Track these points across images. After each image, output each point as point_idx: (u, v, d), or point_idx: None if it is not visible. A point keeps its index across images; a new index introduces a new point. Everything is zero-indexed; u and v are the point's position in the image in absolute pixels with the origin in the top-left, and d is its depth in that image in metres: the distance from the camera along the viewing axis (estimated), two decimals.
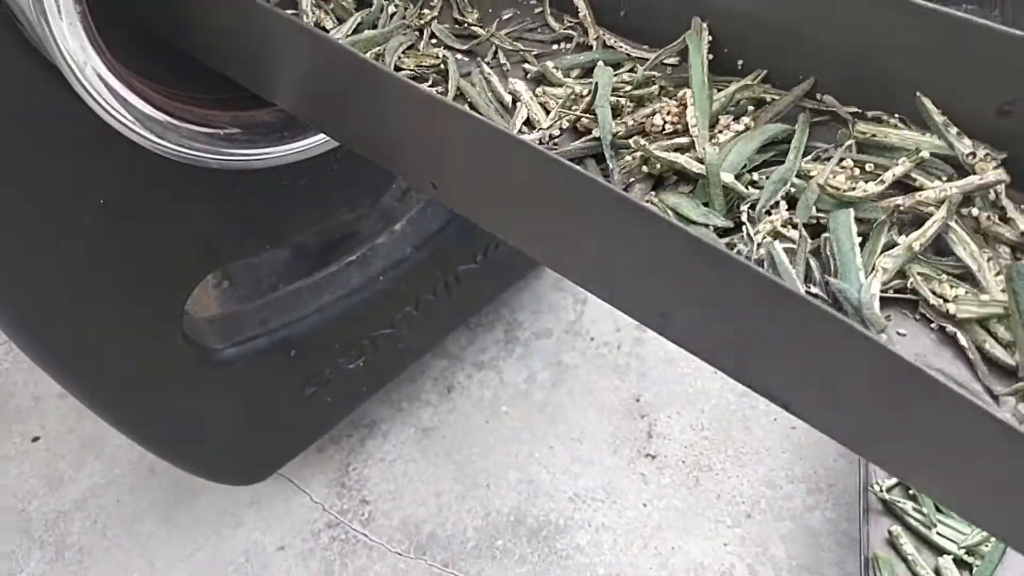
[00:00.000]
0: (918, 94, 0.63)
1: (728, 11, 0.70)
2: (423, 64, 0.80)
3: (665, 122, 0.70)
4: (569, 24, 0.82)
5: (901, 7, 0.61)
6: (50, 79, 0.81)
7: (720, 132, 0.69)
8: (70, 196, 0.89)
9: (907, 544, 1.11)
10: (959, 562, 1.09)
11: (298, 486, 1.35)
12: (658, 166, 0.67)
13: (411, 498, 1.34)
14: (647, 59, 0.76)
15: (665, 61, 0.76)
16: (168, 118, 0.90)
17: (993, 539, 1.08)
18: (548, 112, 0.75)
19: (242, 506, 1.33)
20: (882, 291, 0.58)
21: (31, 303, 0.93)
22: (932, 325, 0.57)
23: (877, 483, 1.16)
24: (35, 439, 1.44)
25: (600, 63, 0.75)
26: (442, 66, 0.79)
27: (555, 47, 0.81)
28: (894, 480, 1.15)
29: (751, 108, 0.71)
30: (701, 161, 0.65)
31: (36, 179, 0.86)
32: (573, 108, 0.74)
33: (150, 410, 1.10)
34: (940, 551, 1.11)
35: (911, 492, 1.16)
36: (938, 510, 1.14)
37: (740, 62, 0.73)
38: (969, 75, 0.61)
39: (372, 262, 1.26)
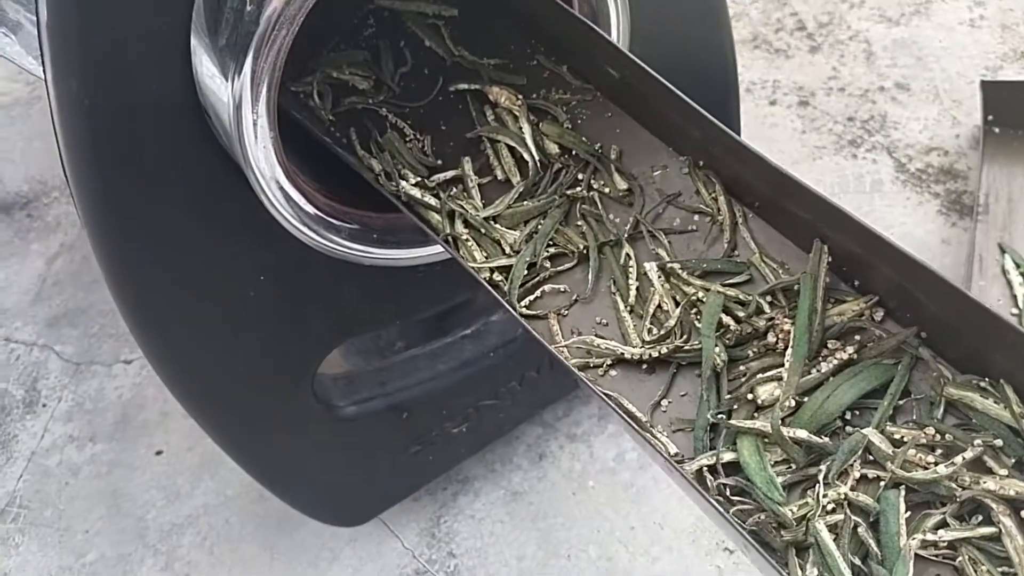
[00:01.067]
0: (1002, 381, 0.70)
1: (847, 248, 0.77)
2: (568, 248, 0.90)
3: (778, 339, 0.78)
4: (712, 196, 0.89)
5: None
6: (234, 177, 0.94)
7: (824, 359, 0.77)
8: (240, 272, 1.03)
9: None
10: None
11: (392, 531, 1.42)
12: (761, 400, 0.75)
13: (495, 557, 1.40)
14: (766, 267, 0.84)
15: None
16: (330, 219, 1.02)
17: None
18: (676, 303, 0.84)
19: (341, 542, 1.41)
20: (932, 557, 0.67)
21: (189, 355, 1.07)
22: None
23: None
24: (158, 452, 1.56)
25: (714, 290, 0.82)
26: (585, 252, 0.89)
27: (695, 218, 0.90)
28: None
29: (858, 337, 0.78)
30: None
31: (212, 255, 1.01)
32: (694, 310, 0.83)
33: (271, 453, 1.23)
34: None
35: None
36: None
37: (856, 282, 0.80)
38: None
39: (485, 338, 1.35)
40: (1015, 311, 1.40)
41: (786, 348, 0.78)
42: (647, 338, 0.84)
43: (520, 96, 0.99)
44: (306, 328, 1.13)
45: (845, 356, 0.76)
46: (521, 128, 0.97)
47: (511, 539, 1.38)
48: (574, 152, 0.96)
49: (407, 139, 1.02)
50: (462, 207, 0.94)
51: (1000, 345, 0.69)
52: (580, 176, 0.95)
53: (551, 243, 0.91)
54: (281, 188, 0.95)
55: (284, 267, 1.05)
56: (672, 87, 0.84)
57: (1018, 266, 1.44)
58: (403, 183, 0.97)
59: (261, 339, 1.10)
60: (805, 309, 0.77)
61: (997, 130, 1.61)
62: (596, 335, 0.85)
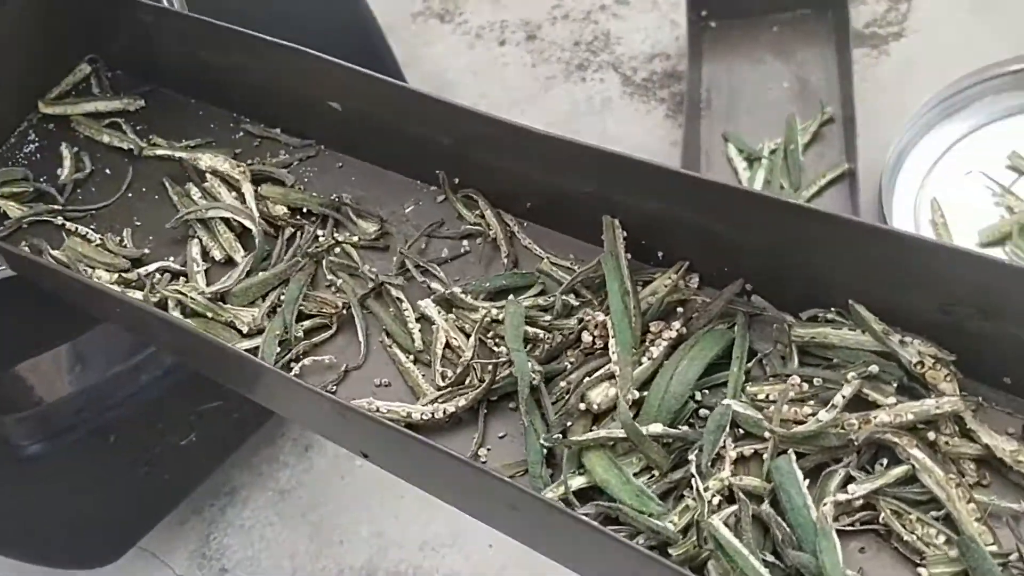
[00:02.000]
0: (851, 302, 0.61)
1: (639, 208, 0.67)
2: (324, 312, 0.74)
3: (594, 338, 0.65)
4: (478, 214, 0.77)
5: (827, 220, 0.59)
6: None
7: (652, 343, 0.64)
8: None
9: None
10: None
11: (162, 560, 1.32)
12: (596, 405, 0.61)
13: (268, 563, 1.32)
14: (557, 270, 0.71)
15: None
16: None
17: None
18: (467, 335, 0.69)
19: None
20: (850, 526, 0.55)
21: None
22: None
23: None
24: None
25: (510, 300, 0.69)
26: (345, 312, 0.73)
27: (464, 244, 0.76)
28: None
29: (680, 310, 0.66)
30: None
31: None
32: (491, 335, 0.68)
33: None
34: None
35: None
36: None
37: (660, 254, 0.69)
38: (907, 283, 0.59)
39: None
40: None
41: (605, 345, 0.65)
42: (442, 383, 0.68)
43: (240, 162, 0.83)
44: None
45: (673, 334, 0.64)
46: (242, 195, 0.81)
47: (282, 539, 1.34)
48: (305, 210, 0.80)
49: (92, 242, 0.83)
50: (178, 291, 0.75)
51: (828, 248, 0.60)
52: (320, 233, 0.79)
53: (303, 312, 0.74)
54: None
55: None
56: (410, 86, 0.73)
57: (740, 152, 1.42)
58: (96, 280, 0.77)
59: None
60: (616, 291, 0.65)
61: (713, 24, 1.59)
62: (375, 399, 0.68)
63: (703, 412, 0.61)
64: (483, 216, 0.76)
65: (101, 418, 1.10)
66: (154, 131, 0.91)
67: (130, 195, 0.87)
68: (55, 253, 0.83)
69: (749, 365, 0.63)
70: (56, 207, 0.87)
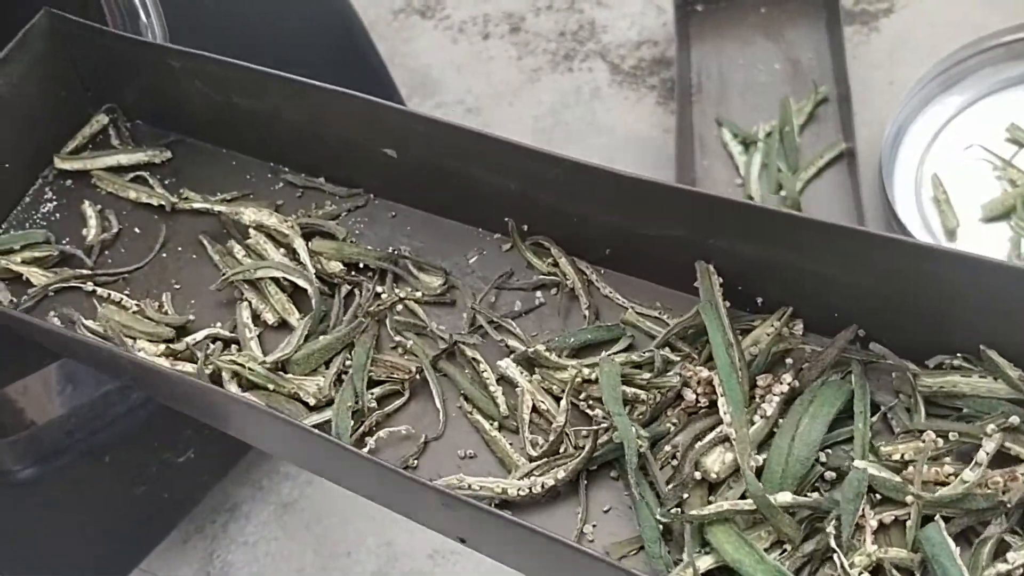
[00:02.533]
0: (982, 347, 0.57)
1: (735, 252, 0.63)
2: (395, 377, 0.68)
3: (698, 395, 0.61)
4: (550, 262, 0.72)
5: (953, 259, 0.55)
6: None
7: (763, 399, 0.60)
8: None
9: None
10: None
11: None
12: (715, 474, 0.57)
13: None
14: (645, 320, 0.67)
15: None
16: None
17: None
18: (555, 397, 0.64)
19: None
20: None
21: None
22: None
23: None
24: None
25: (604, 358, 0.64)
26: (417, 376, 0.68)
27: (538, 295, 0.72)
28: None
29: (788, 360, 0.62)
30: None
31: None
32: (583, 397, 0.64)
33: None
34: None
35: None
36: None
37: (759, 300, 0.65)
38: None
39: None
40: (738, 181, 1.35)
41: (710, 403, 0.61)
42: (534, 453, 0.63)
43: (287, 216, 0.78)
44: None
45: (785, 388, 0.60)
46: (294, 251, 0.76)
47: (287, 553, 1.30)
48: (362, 265, 0.75)
49: (129, 310, 0.77)
50: (234, 362, 0.69)
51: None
52: (379, 289, 0.74)
53: (372, 379, 0.69)
54: None
55: None
56: (481, 130, 0.67)
57: (735, 136, 1.39)
58: (142, 353, 0.72)
59: None
60: (720, 344, 0.60)
61: (700, 8, 1.55)
62: (463, 474, 0.63)
63: (828, 475, 0.57)
64: (556, 264, 0.71)
65: (94, 438, 1.05)
66: (183, 184, 0.85)
67: (164, 255, 0.82)
68: (89, 324, 0.77)
69: (873, 420, 0.59)
70: (84, 271, 0.81)
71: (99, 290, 0.80)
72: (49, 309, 0.79)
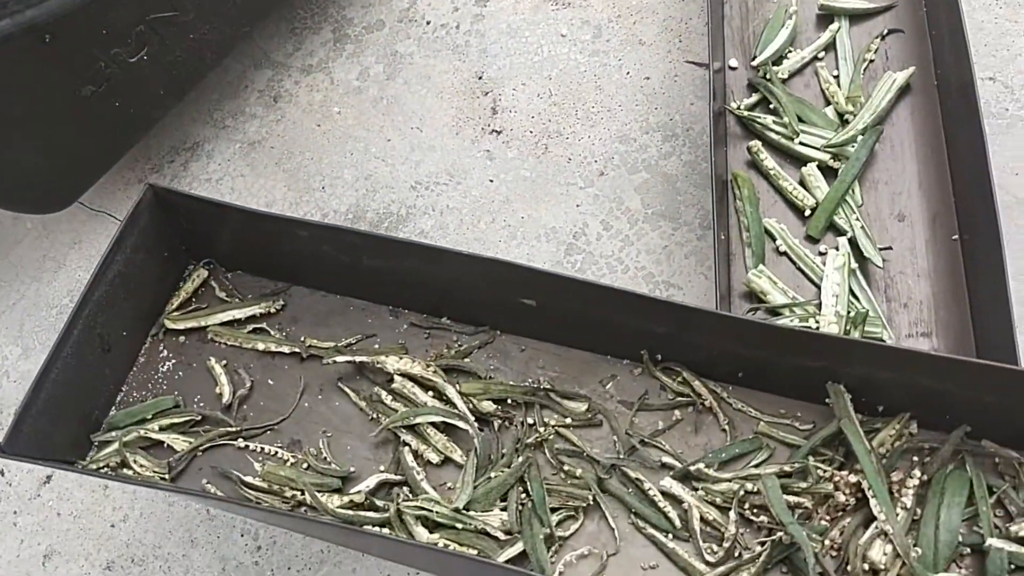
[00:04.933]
0: None
1: (867, 376, 0.75)
2: (570, 504, 0.78)
3: (847, 495, 0.73)
4: (679, 381, 0.83)
5: None
6: None
7: (899, 493, 0.73)
8: None
9: (768, 159, 1.01)
10: (824, 169, 1.00)
11: (119, 220, 1.15)
12: (883, 565, 0.70)
13: None
14: (778, 430, 0.79)
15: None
16: None
17: (861, 137, 1.00)
18: (718, 507, 0.76)
19: (63, 248, 1.23)
20: None
21: None
22: None
23: (734, 102, 1.06)
24: None
25: (766, 474, 0.75)
26: (588, 504, 0.78)
27: (675, 413, 0.82)
28: (754, 98, 1.07)
29: (915, 458, 0.76)
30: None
31: None
32: (747, 506, 0.75)
33: None
34: (804, 160, 1.01)
35: (771, 106, 1.05)
36: (800, 120, 1.03)
37: (880, 408, 0.78)
38: None
39: None
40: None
41: (857, 502, 0.74)
42: (711, 559, 0.74)
43: (428, 361, 0.85)
44: None
45: (916, 482, 0.74)
46: (444, 395, 0.83)
47: (256, 189, 1.26)
48: (508, 400, 0.84)
49: (287, 462, 0.84)
50: (421, 507, 0.77)
51: None
52: (530, 421, 0.83)
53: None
54: None
55: None
56: (617, 287, 0.77)
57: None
58: (328, 508, 0.78)
59: None
60: (864, 454, 0.73)
61: None
62: None
63: (967, 552, 0.71)
64: (688, 384, 0.82)
65: (34, 9, 0.95)
66: (303, 331, 0.91)
67: (306, 404, 0.88)
68: (249, 480, 0.82)
69: (991, 500, 0.73)
70: (231, 429, 0.86)
71: (251, 445, 0.85)
72: (198, 472, 0.84)
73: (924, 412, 0.76)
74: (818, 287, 0.94)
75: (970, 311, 0.89)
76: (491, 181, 1.20)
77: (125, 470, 0.83)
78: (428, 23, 1.38)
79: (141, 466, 0.83)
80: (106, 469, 0.84)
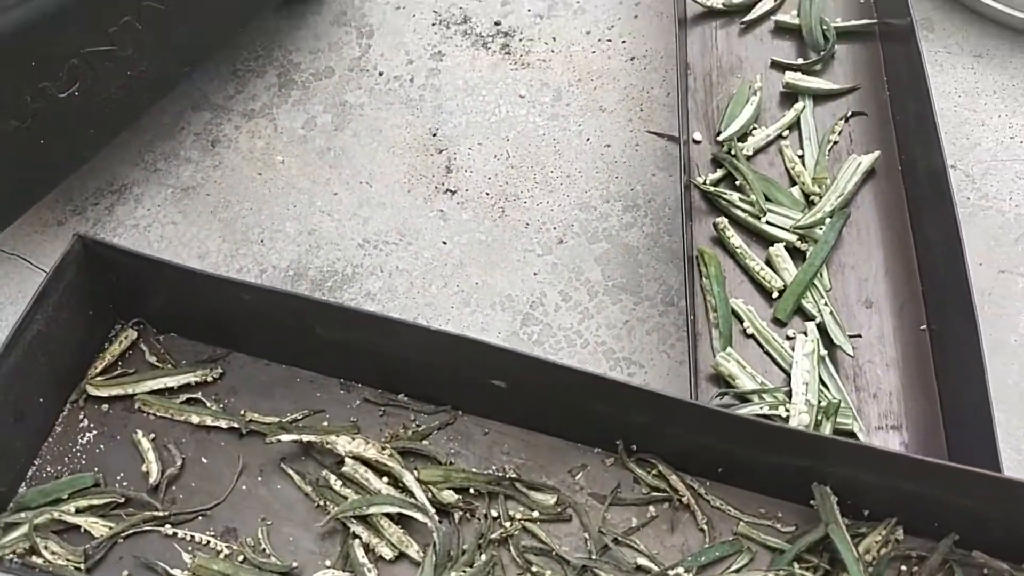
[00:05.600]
0: None
1: (852, 477, 0.72)
2: None
3: None
4: (654, 474, 0.78)
5: None
6: None
7: None
8: None
9: (735, 237, 0.98)
10: (791, 250, 0.97)
11: (35, 266, 1.13)
12: None
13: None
14: (759, 532, 0.75)
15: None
16: None
17: (828, 220, 0.98)
18: None
19: None
20: None
21: None
22: None
23: (700, 176, 1.04)
24: None
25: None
26: None
27: (650, 509, 0.77)
28: (719, 173, 1.04)
29: (903, 568, 0.72)
30: None
31: None
32: None
33: None
34: (770, 240, 0.99)
35: (737, 182, 1.03)
36: (767, 199, 1.01)
37: (866, 511, 0.74)
38: None
39: None
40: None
41: None
42: None
43: (383, 442, 0.78)
44: None
45: None
46: (401, 482, 0.76)
47: (188, 239, 1.16)
48: (471, 489, 0.77)
49: (221, 553, 0.75)
50: None
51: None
52: (495, 514, 0.77)
53: None
54: None
55: None
56: (595, 372, 0.72)
57: None
58: None
59: None
60: (852, 562, 0.69)
61: None
62: None
63: None
64: (663, 478, 0.77)
65: None
66: (244, 404, 0.83)
67: (244, 486, 0.79)
68: (178, 573, 0.74)
69: None
70: (158, 513, 0.77)
71: (179, 531, 0.77)
72: (120, 559, 0.75)
73: (911, 517, 0.73)
74: (786, 372, 0.90)
75: (940, 405, 0.86)
76: (444, 243, 1.14)
77: (34, 558, 0.74)
78: (381, 74, 1.32)
79: (53, 554, 0.74)
80: (12, 557, 0.74)
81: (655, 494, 0.77)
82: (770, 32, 1.17)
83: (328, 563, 0.75)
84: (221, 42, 1.19)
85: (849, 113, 1.09)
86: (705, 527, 0.75)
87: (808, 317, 0.94)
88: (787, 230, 0.99)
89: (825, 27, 1.14)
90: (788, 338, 0.93)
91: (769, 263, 0.98)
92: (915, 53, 1.00)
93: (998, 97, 1.22)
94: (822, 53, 1.13)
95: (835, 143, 1.07)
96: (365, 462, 0.78)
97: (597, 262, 1.12)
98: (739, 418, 0.72)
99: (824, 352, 0.90)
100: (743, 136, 1.07)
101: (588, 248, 1.13)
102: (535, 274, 1.11)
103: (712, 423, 0.72)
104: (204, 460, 0.81)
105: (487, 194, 1.19)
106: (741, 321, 0.93)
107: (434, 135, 1.25)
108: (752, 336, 0.93)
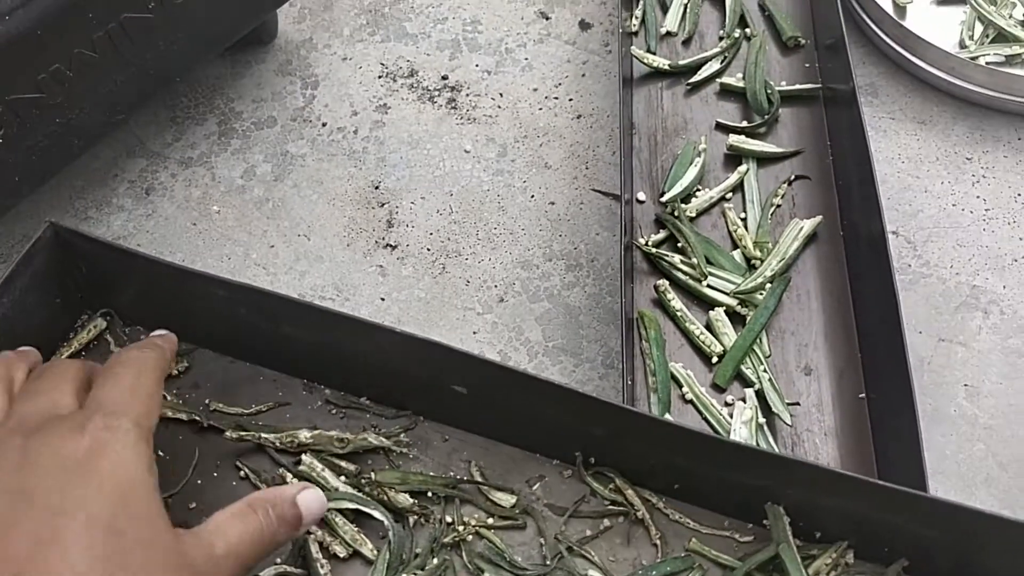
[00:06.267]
0: None
1: (808, 500, 0.73)
2: None
3: None
4: (612, 489, 0.78)
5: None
6: None
7: None
8: None
9: (675, 299, 0.97)
10: (731, 314, 0.97)
11: None
12: None
13: None
14: (710, 549, 0.75)
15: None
16: None
17: (769, 285, 0.98)
18: None
19: None
20: None
21: None
22: None
23: (642, 237, 1.03)
24: None
25: None
26: None
27: (605, 521, 0.77)
28: (662, 234, 1.03)
29: None
30: None
31: None
32: None
33: None
34: (711, 304, 0.98)
35: (679, 244, 1.02)
36: (709, 262, 1.00)
37: (818, 534, 0.75)
38: None
39: None
40: None
41: None
42: None
43: (343, 438, 0.78)
44: None
45: None
46: (356, 479, 0.75)
47: None
48: (428, 492, 0.76)
49: None
50: None
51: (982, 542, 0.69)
52: (449, 519, 0.76)
53: None
54: None
55: None
56: (554, 381, 0.73)
57: None
58: None
59: None
60: None
61: None
62: None
63: None
64: (620, 492, 0.77)
65: None
66: (203, 398, 0.82)
67: (199, 480, 0.78)
68: None
69: None
70: None
71: None
72: None
73: (863, 542, 0.74)
74: None
75: (877, 476, 0.86)
76: (382, 299, 1.11)
77: None
78: (324, 125, 1.30)
79: None
80: None
81: (611, 507, 0.77)
82: (715, 94, 1.20)
83: (279, 560, 0.74)
84: (159, 90, 1.14)
85: (792, 177, 1.10)
86: (658, 542, 0.75)
87: (747, 383, 0.93)
88: (728, 294, 1.00)
89: (769, 91, 1.17)
90: (727, 404, 0.93)
91: (709, 327, 0.98)
92: (857, 118, 1.02)
93: (940, 164, 1.23)
94: (766, 116, 1.15)
95: (778, 206, 1.09)
96: (323, 459, 0.77)
97: (538, 322, 1.09)
98: (699, 434, 0.72)
99: (763, 420, 0.90)
100: (687, 197, 1.08)
101: (529, 308, 1.10)
102: (474, 333, 1.08)
103: (671, 438, 0.73)
104: (160, 453, 0.79)
105: (428, 249, 1.16)
106: (680, 386, 0.93)
107: (376, 188, 1.23)
108: (691, 402, 0.92)
